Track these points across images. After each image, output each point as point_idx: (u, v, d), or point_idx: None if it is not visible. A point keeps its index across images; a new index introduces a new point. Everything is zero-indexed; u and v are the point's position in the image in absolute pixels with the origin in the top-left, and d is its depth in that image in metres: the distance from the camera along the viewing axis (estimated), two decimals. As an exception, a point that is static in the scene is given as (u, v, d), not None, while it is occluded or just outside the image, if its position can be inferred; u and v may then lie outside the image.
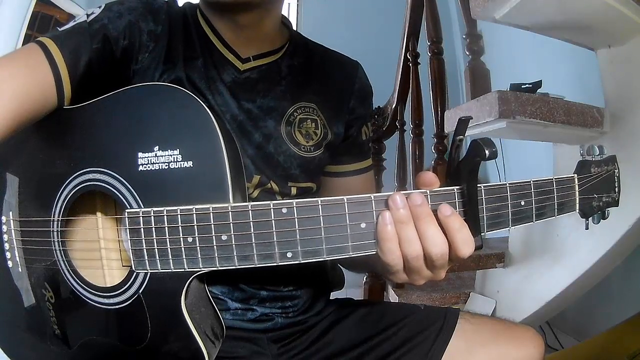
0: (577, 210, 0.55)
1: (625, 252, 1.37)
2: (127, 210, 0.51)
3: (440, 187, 0.49)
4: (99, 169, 0.54)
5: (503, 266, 1.65)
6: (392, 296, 1.79)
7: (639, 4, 1.22)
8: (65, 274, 0.58)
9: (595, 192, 0.56)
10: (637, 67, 1.31)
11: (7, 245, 0.61)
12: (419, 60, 1.86)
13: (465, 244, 0.46)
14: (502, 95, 1.32)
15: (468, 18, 1.90)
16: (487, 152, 0.45)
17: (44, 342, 0.61)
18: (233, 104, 0.68)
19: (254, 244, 0.47)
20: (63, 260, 0.58)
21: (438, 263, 0.47)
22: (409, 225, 0.46)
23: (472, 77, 1.89)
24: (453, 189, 0.48)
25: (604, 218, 0.57)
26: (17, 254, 0.61)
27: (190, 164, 0.50)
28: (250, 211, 0.47)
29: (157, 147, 0.51)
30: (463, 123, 0.48)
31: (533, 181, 0.51)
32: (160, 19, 0.66)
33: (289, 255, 0.47)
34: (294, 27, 0.81)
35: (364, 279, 1.89)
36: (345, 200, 0.47)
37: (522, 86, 1.53)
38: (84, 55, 0.59)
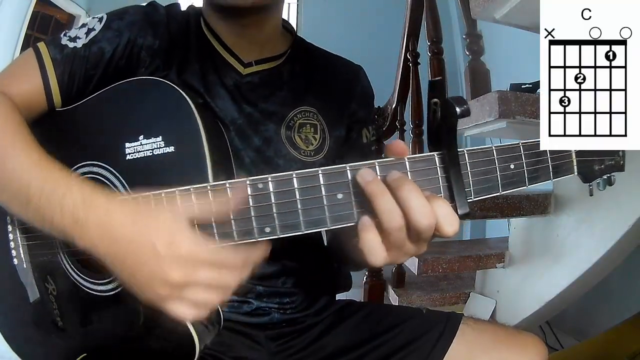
0: (576, 174, 0.52)
1: (625, 252, 1.36)
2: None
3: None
4: (92, 162, 0.57)
5: (503, 266, 1.64)
6: (392, 296, 1.78)
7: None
8: (64, 265, 0.59)
9: (596, 154, 0.52)
10: (637, 67, 1.30)
11: (12, 244, 0.62)
12: (419, 60, 1.86)
13: (450, 225, 0.44)
14: (502, 95, 1.32)
15: (468, 18, 1.90)
16: (458, 110, 0.43)
17: (49, 336, 0.62)
18: (233, 108, 0.68)
19: (232, 221, 0.48)
20: (62, 251, 0.59)
21: (425, 235, 0.44)
22: (385, 196, 0.44)
23: (472, 77, 1.89)
24: (433, 154, 0.47)
25: (610, 184, 0.54)
26: (22, 250, 0.62)
27: (172, 148, 0.53)
28: (227, 188, 0.48)
29: (141, 136, 0.54)
30: (435, 84, 0.46)
31: (522, 143, 0.48)
32: (159, 33, 0.67)
33: (267, 230, 0.47)
34: (294, 28, 0.81)
35: (364, 279, 1.88)
36: (320, 172, 0.46)
37: (522, 86, 1.53)
38: (77, 80, 0.62)
